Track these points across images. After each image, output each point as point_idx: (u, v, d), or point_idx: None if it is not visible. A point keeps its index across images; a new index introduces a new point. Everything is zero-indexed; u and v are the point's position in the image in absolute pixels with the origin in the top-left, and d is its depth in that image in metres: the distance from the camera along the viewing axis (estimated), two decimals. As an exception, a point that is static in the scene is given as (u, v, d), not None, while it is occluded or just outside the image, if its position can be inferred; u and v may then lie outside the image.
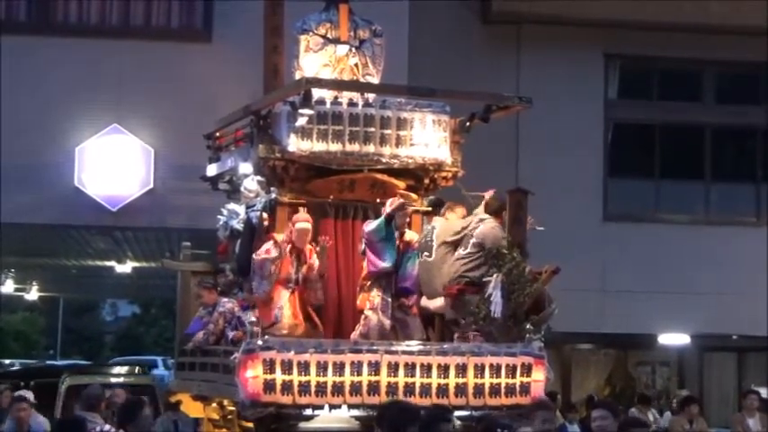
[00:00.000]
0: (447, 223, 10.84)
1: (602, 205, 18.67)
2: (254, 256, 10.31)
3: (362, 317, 10.39)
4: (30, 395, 12.69)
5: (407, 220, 10.59)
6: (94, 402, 10.45)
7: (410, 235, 10.66)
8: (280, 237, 10.36)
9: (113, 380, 17.48)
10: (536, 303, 10.27)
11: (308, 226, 10.34)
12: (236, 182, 11.26)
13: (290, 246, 10.32)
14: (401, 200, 10.47)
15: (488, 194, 10.79)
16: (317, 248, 10.35)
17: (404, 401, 9.07)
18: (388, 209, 10.41)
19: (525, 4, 17.81)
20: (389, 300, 10.38)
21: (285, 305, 10.26)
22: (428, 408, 8.64)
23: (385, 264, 10.38)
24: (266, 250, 10.27)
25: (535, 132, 17.65)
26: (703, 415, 16.62)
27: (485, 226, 10.51)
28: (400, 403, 8.69)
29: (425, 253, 10.63)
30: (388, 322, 10.33)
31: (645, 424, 8.83)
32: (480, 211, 10.71)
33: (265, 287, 10.24)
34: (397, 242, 10.48)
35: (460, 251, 10.51)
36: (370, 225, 10.45)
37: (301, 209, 10.45)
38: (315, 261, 10.36)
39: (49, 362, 39.78)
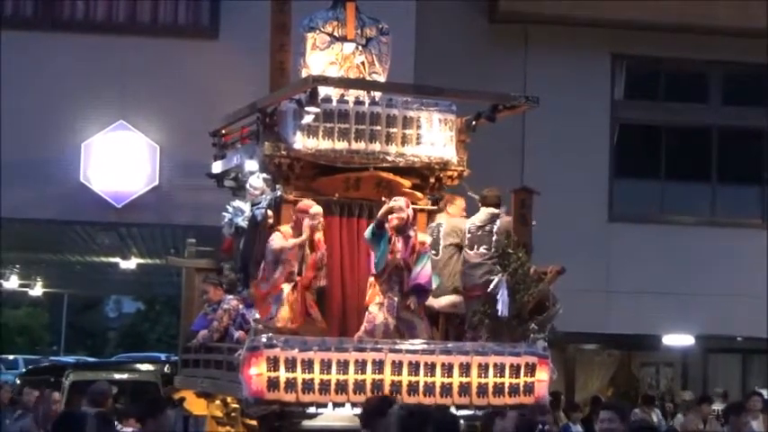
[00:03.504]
0: (451, 222, 10.81)
1: (608, 206, 18.62)
2: (270, 243, 10.20)
3: (367, 313, 10.33)
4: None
5: (404, 221, 10.29)
6: (100, 399, 10.42)
7: (422, 236, 10.55)
8: (289, 232, 10.29)
9: (117, 376, 17.49)
10: (541, 303, 10.28)
11: (321, 209, 10.32)
12: (241, 179, 11.25)
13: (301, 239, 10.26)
14: (390, 204, 10.32)
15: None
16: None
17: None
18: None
19: (532, 4, 17.77)
20: (396, 299, 10.31)
21: (283, 299, 10.20)
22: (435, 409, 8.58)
23: (372, 266, 10.35)
24: (283, 236, 10.19)
25: (541, 132, 17.61)
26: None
27: (502, 221, 10.52)
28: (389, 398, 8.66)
29: (432, 251, 10.59)
30: (392, 321, 10.28)
31: (654, 429, 8.77)
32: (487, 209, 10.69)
33: (276, 275, 10.16)
34: (412, 242, 10.31)
35: (483, 249, 10.47)
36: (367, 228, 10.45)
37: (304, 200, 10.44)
38: (323, 251, 10.33)
39: (52, 358, 39.89)
